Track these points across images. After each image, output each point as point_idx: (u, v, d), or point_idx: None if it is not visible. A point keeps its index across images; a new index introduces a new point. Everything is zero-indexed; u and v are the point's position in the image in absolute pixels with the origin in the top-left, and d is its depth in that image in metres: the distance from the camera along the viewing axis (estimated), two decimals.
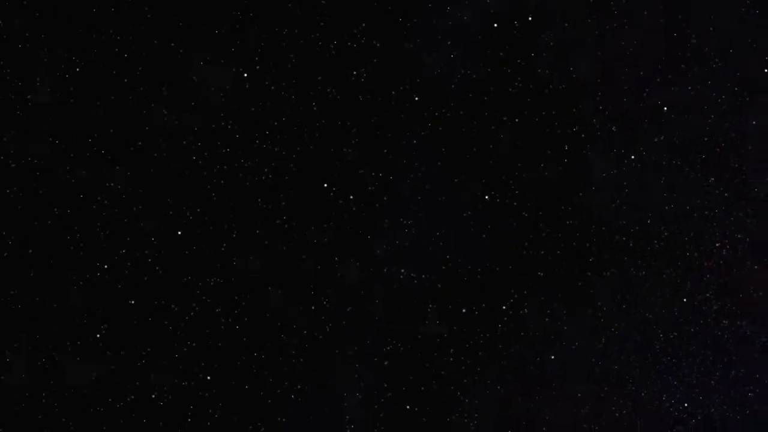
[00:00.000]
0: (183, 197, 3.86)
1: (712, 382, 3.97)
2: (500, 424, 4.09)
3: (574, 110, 3.96)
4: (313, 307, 3.98)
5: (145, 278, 3.96)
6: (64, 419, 3.92)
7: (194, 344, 3.91)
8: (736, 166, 4.08)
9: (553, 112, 4.00)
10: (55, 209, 3.82)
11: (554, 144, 4.06)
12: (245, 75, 3.80)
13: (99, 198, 3.84)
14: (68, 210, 3.82)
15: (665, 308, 4.00)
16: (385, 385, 3.96)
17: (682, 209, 3.94)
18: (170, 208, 3.85)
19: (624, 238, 4.00)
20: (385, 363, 3.92)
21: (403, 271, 4.04)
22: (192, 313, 3.84)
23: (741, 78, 4.15)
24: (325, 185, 3.96)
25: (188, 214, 3.68)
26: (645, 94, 3.91)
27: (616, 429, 4.05)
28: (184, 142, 3.81)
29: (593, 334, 4.09)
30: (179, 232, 3.77)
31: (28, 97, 3.82)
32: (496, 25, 3.95)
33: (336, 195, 3.98)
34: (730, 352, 3.99)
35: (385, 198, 4.00)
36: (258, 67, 3.79)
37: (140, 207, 3.98)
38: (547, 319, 3.99)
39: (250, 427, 4.01)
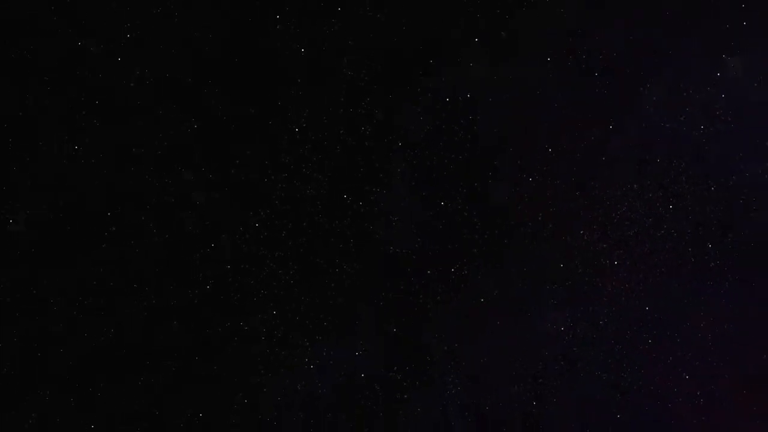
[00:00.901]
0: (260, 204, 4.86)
1: (577, 311, 5.11)
2: (453, 334, 5.04)
3: (488, 155, 4.94)
4: (338, 270, 4.95)
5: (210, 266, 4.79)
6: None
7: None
8: (591, 182, 5.04)
9: (476, 154, 4.90)
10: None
11: (479, 174, 4.96)
12: (296, 129, 4.76)
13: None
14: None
15: (548, 267, 5.07)
16: (384, 310, 5.00)
17: (554, 211, 5.07)
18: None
19: (523, 229, 5.05)
20: (381, 303, 5.00)
21: (391, 247, 5.03)
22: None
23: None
24: (345, 196, 4.91)
25: (267, 213, 4.82)
26: (540, 147, 4.91)
27: (514, 338, 5.08)
28: (270, 175, 4.75)
29: (504, 284, 5.07)
30: (257, 224, 4.84)
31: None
32: (447, 99, 4.83)
33: (352, 201, 4.91)
34: (583, 292, 5.09)
35: (382, 204, 4.95)
36: (305, 125, 4.77)
37: (216, 212, 4.80)
38: (478, 276, 5.03)
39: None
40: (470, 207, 5.07)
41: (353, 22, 4.75)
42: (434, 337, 5.11)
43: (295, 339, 4.98)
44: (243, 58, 4.69)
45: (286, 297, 4.96)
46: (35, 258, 4.68)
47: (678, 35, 4.98)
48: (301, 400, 4.95)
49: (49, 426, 4.75)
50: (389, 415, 5.04)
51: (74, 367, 4.79)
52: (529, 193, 5.08)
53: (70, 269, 4.75)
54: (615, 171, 5.09)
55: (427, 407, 5.09)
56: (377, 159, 4.96)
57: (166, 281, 4.83)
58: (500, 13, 4.86)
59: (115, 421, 4.84)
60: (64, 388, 4.78)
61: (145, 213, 4.76)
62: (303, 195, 4.92)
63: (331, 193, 4.94)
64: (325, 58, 4.78)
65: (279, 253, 4.94)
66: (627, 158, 5.08)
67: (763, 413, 5.24)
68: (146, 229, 4.78)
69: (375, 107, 4.90)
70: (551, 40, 4.94)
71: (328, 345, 5.01)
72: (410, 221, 5.03)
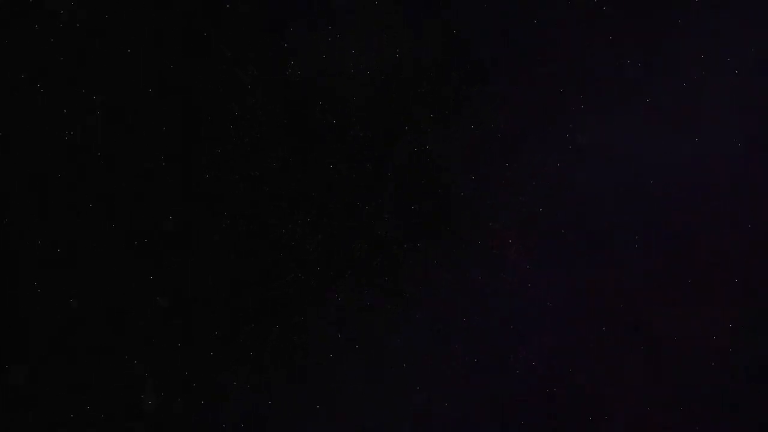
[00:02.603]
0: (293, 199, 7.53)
1: (486, 269, 7.26)
2: (416, 280, 7.19)
3: (437, 181, 7.19)
4: (351, 246, 7.07)
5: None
6: None
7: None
8: (498, 194, 7.18)
9: (431, 179, 7.04)
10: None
11: (432, 191, 7.13)
12: (331, 166, 7.07)
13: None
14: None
15: (469, 242, 7.18)
16: (375, 269, 7.11)
17: (468, 213, 7.30)
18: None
19: (455, 221, 7.19)
20: (375, 263, 7.07)
21: (379, 231, 7.16)
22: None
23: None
24: (357, 203, 7.06)
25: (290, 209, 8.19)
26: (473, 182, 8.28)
27: (451, 284, 7.22)
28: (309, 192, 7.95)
29: (444, 253, 7.21)
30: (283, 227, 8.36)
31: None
32: (415, 149, 7.44)
33: (360, 205, 7.07)
34: (490, 258, 7.21)
35: (377, 207, 7.12)
36: (336, 162, 7.29)
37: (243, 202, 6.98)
38: (428, 249, 7.23)
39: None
40: (429, 209, 7.39)
41: (356, 105, 7.47)
42: (404, 283, 7.43)
43: (323, 281, 7.32)
44: (302, 129, 7.72)
45: (322, 258, 7.33)
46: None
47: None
48: (329, 312, 7.48)
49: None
50: (376, 325, 7.42)
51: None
52: (459, 204, 7.48)
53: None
54: (511, 189, 7.59)
55: (399, 322, 7.42)
56: (375, 181, 7.33)
57: (252, 250, 7.24)
58: (444, 97, 7.47)
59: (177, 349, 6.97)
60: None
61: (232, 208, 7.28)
62: (332, 202, 7.31)
63: (347, 201, 7.31)
64: (343, 128, 7.29)
65: (320, 235, 7.26)
66: (524, 183, 7.60)
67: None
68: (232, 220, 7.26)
69: (372, 154, 7.33)
70: (473, 112, 7.48)
71: (344, 286, 7.41)
72: (394, 217, 7.40)
